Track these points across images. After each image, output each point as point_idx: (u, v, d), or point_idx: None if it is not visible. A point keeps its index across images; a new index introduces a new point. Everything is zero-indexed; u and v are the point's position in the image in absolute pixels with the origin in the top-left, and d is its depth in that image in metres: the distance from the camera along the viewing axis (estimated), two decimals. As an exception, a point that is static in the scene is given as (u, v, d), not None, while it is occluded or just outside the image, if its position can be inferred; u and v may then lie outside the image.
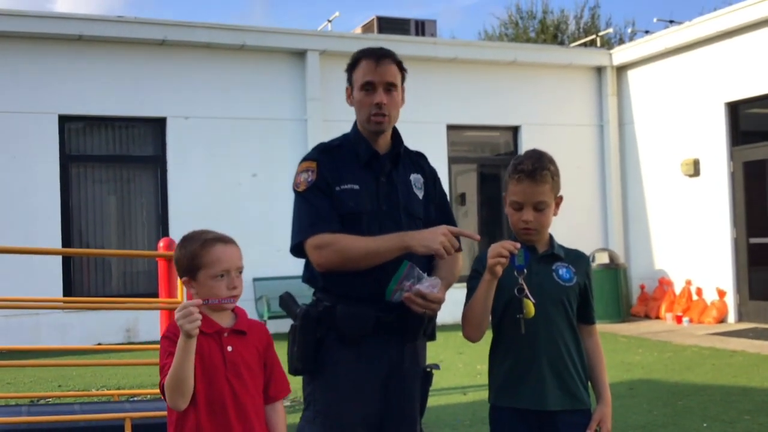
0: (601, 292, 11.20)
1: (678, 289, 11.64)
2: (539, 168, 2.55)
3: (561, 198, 2.65)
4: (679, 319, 11.08)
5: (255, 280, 10.27)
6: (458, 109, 12.13)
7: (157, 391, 6.25)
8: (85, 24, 10.28)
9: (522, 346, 2.54)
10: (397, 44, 11.04)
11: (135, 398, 6.39)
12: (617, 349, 8.94)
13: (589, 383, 2.65)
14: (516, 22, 24.83)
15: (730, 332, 9.95)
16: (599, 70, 13.02)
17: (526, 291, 2.47)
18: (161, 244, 6.08)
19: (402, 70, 2.82)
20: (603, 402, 2.62)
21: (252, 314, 5.98)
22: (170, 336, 2.27)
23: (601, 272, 11.38)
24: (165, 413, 5.30)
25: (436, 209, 2.89)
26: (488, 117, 12.42)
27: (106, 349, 6.53)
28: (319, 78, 11.15)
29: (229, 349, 2.34)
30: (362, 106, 2.76)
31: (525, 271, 2.48)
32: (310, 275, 2.78)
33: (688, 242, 11.58)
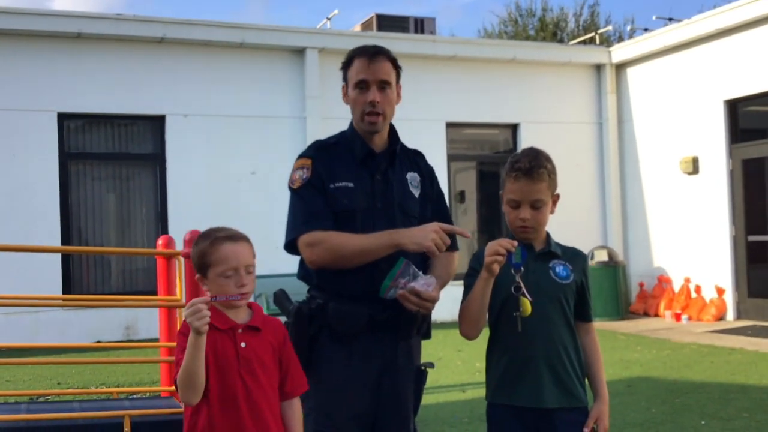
0: (600, 289, 11.21)
1: (677, 286, 11.65)
2: (536, 166, 2.55)
3: (558, 196, 2.66)
4: (677, 317, 11.08)
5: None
6: (457, 107, 12.13)
7: (156, 388, 6.27)
8: (84, 22, 10.27)
9: (519, 344, 2.55)
10: (397, 42, 11.05)
11: (134, 396, 6.40)
12: (616, 346, 8.95)
13: (587, 381, 2.66)
14: (515, 20, 24.85)
15: (729, 330, 9.96)
16: (598, 68, 13.02)
17: (523, 289, 2.47)
18: (160, 241, 6.09)
19: (397, 67, 2.81)
20: (600, 399, 2.62)
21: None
22: (185, 332, 2.29)
23: (600, 270, 11.39)
24: (164, 411, 5.32)
25: (433, 207, 2.89)
26: (487, 114, 12.42)
27: (106, 346, 6.54)
28: (318, 76, 11.15)
29: (243, 345, 2.35)
30: (356, 105, 2.76)
31: (522, 269, 2.49)
32: (304, 272, 2.79)
33: (687, 240, 11.59)
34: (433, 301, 2.58)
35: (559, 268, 2.60)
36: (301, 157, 2.80)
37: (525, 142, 12.14)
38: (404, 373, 2.74)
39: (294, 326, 2.67)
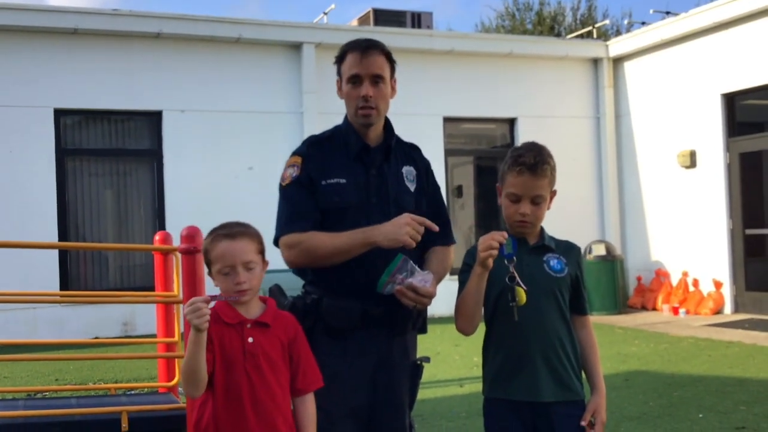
0: (598, 283, 11.21)
1: (675, 280, 11.66)
2: (540, 162, 2.56)
3: (555, 192, 2.66)
4: (675, 311, 11.10)
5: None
6: (455, 102, 12.12)
7: (154, 384, 6.27)
8: (81, 17, 10.24)
9: (515, 339, 2.55)
10: (393, 36, 11.03)
11: (132, 392, 6.39)
12: (614, 340, 8.96)
13: (584, 374, 2.66)
14: (513, 14, 24.83)
15: (727, 323, 9.98)
16: (596, 62, 13.01)
17: (518, 279, 2.48)
18: (157, 237, 6.08)
19: (391, 61, 2.80)
20: (597, 392, 2.62)
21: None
22: None
23: (597, 264, 11.39)
24: (162, 406, 5.31)
25: (429, 202, 2.89)
26: (485, 109, 12.41)
27: (103, 342, 6.53)
28: (315, 71, 11.13)
29: (250, 340, 2.36)
30: (350, 99, 2.76)
31: (515, 258, 2.49)
32: (299, 268, 2.79)
33: (685, 234, 11.60)
34: (430, 297, 2.58)
35: (554, 262, 2.61)
36: (293, 154, 2.81)
37: (522, 136, 12.14)
38: (399, 368, 2.74)
39: None
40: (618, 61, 12.91)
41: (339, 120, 2.93)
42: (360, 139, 2.78)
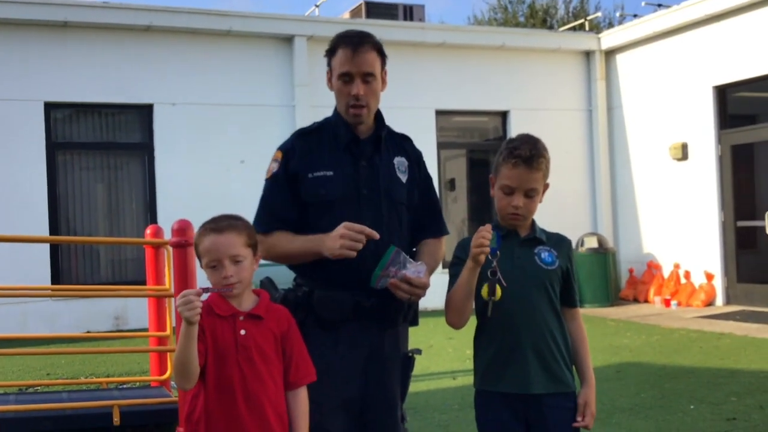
0: (590, 276, 11.24)
1: (666, 272, 11.69)
2: (536, 155, 2.55)
3: (548, 185, 2.66)
4: (667, 303, 11.14)
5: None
6: (447, 94, 12.11)
7: (146, 378, 6.26)
8: (70, 10, 10.18)
9: (505, 331, 2.55)
10: (385, 29, 11.00)
11: (124, 386, 6.39)
12: (606, 332, 8.98)
13: (574, 366, 2.66)
14: (505, 7, 24.81)
15: (718, 315, 10.02)
16: (588, 55, 13.02)
17: (499, 275, 2.48)
18: (149, 231, 6.06)
19: (382, 54, 2.79)
20: (587, 385, 2.63)
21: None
22: None
23: (589, 256, 11.41)
24: (153, 400, 5.31)
25: (420, 193, 2.88)
26: (477, 102, 12.40)
27: (95, 336, 6.52)
28: (306, 63, 11.10)
29: (242, 333, 2.36)
30: (341, 95, 2.75)
31: (498, 253, 2.49)
32: None
33: (677, 226, 11.63)
34: (424, 288, 2.58)
35: (545, 254, 2.60)
36: (278, 148, 2.82)
37: (515, 129, 12.14)
38: (391, 360, 2.74)
39: None
40: (610, 54, 12.91)
41: (330, 113, 2.92)
42: (350, 131, 2.77)
